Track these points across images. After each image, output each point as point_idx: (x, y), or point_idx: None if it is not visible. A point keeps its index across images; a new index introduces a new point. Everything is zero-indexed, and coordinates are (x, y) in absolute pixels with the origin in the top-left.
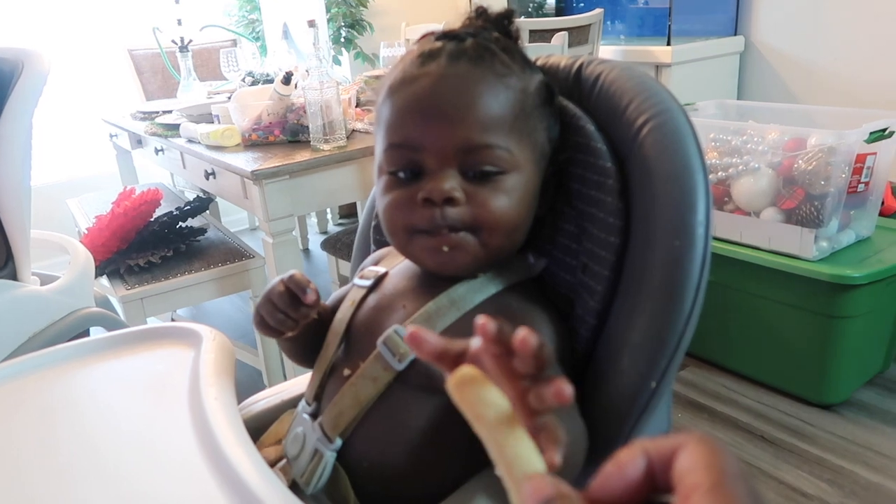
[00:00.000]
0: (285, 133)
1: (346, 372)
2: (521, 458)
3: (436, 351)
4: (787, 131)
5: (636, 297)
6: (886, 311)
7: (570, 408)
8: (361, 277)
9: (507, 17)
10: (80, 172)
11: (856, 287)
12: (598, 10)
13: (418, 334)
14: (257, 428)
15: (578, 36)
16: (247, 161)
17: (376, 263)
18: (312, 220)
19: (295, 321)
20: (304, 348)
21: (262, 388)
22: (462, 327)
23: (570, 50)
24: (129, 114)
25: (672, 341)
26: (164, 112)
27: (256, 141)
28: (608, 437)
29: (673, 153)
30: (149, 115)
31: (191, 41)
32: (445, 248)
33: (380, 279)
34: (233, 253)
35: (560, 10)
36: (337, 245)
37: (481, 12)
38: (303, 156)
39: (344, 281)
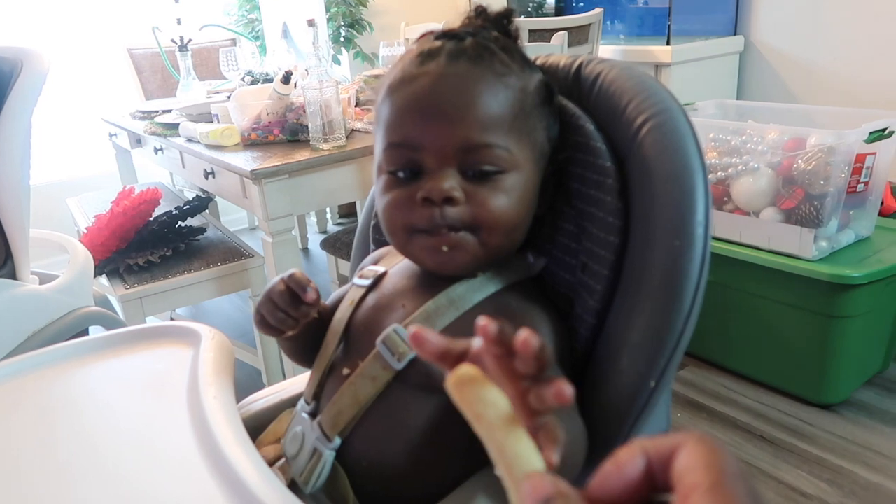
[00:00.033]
0: (285, 132)
1: (346, 371)
2: (520, 457)
3: (438, 350)
4: (787, 131)
5: (635, 297)
6: (886, 311)
7: (570, 408)
8: (360, 277)
9: (506, 16)
10: (80, 172)
11: (855, 287)
12: (598, 10)
13: (421, 334)
14: (256, 427)
15: (578, 36)
16: (246, 160)
17: (376, 263)
18: (312, 220)
19: (295, 320)
20: (305, 348)
21: (261, 387)
22: (461, 326)
23: (570, 50)
24: (128, 113)
25: (671, 340)
26: (164, 111)
27: (256, 140)
28: (607, 436)
29: (672, 153)
30: (148, 115)
31: (190, 40)
32: (445, 248)
33: (379, 278)
34: (232, 252)
35: (560, 10)
36: (336, 244)
37: (480, 11)
38: (302, 155)
39: (343, 280)
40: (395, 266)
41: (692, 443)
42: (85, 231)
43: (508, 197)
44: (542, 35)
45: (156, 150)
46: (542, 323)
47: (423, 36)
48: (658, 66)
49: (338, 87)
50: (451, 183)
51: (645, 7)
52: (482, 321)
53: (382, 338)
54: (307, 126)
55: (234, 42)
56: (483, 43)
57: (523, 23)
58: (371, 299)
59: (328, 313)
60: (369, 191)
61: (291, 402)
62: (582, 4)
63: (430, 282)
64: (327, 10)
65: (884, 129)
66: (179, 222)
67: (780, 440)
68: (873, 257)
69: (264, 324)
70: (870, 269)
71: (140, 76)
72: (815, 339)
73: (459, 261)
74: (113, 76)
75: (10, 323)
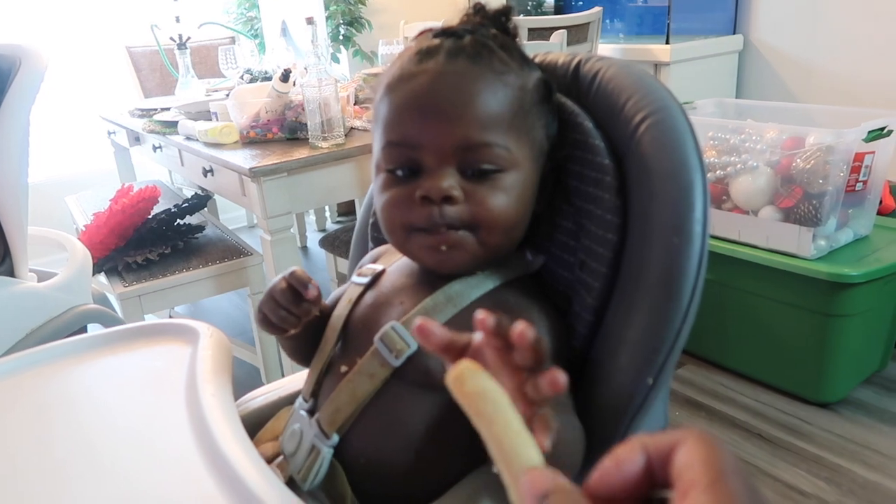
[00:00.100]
0: (283, 130)
1: (344, 368)
2: (519, 452)
3: (442, 342)
4: (786, 130)
5: (633, 294)
6: (884, 310)
7: (567, 409)
8: (359, 275)
9: (504, 13)
10: (78, 169)
11: (853, 286)
12: (597, 9)
13: (426, 326)
14: (254, 424)
15: (577, 34)
16: (245, 158)
17: (374, 261)
18: (311, 218)
19: (298, 318)
20: (306, 346)
21: (259, 385)
22: (459, 323)
23: (569, 48)
24: (127, 111)
25: (669, 338)
26: (163, 109)
27: (254, 138)
28: (605, 433)
29: (671, 150)
30: (147, 113)
31: (189, 38)
32: (444, 247)
33: (377, 276)
34: (231, 250)
35: (559, 9)
36: (335, 243)
37: (479, 8)
38: (301, 153)
39: (342, 279)
40: (393, 264)
41: (692, 439)
42: (83, 229)
43: (507, 196)
44: (541, 33)
45: (154, 148)
46: (540, 319)
47: (421, 33)
48: (657, 65)
49: (337, 85)
50: (450, 182)
51: (644, 6)
52: (480, 314)
53: (380, 335)
54: (306, 124)
55: (233, 40)
56: (482, 41)
57: (522, 21)
58: (369, 297)
59: (329, 312)
60: (368, 189)
61: (289, 400)
62: (581, 3)
63: (429, 279)
64: (326, 8)
65: (882, 128)
66: (178, 220)
67: (779, 439)
68: (872, 256)
69: (267, 322)
70: (868, 268)
71: (139, 74)
72: (813, 337)
73: (458, 259)
74: (112, 74)
75: (9, 320)
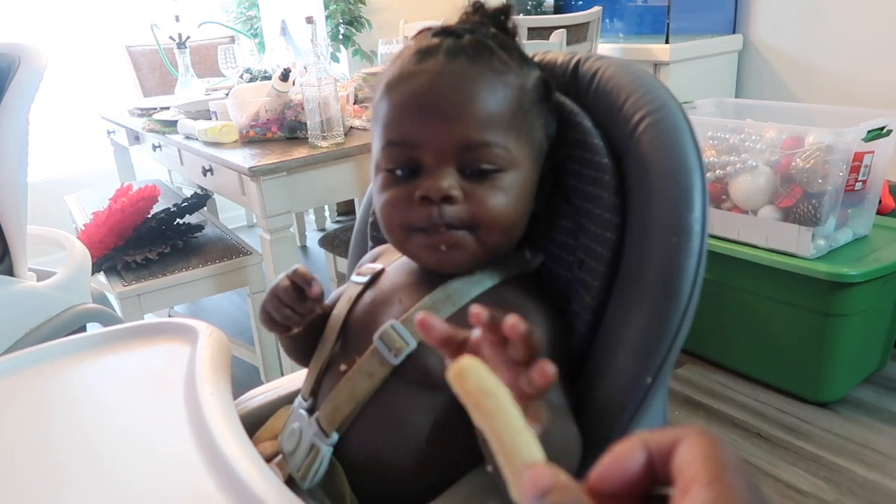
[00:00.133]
0: (283, 130)
1: (343, 367)
2: (520, 448)
3: (443, 337)
4: (785, 129)
5: (632, 294)
6: (883, 309)
7: (562, 411)
8: (358, 274)
9: (504, 12)
10: (78, 169)
11: (853, 285)
12: (597, 8)
13: (427, 320)
14: (253, 423)
15: (577, 34)
16: (244, 157)
17: (374, 260)
18: (310, 217)
19: (301, 316)
20: (306, 345)
21: (258, 384)
22: (458, 321)
23: (569, 48)
24: (126, 110)
25: (668, 337)
26: (162, 108)
27: (254, 137)
28: (604, 432)
29: (670, 150)
30: (146, 112)
31: (189, 38)
32: (443, 247)
33: (377, 276)
34: (230, 250)
35: (559, 8)
36: (335, 242)
37: (478, 7)
38: (300, 152)
39: (342, 278)
40: (392, 263)
41: (692, 436)
42: (83, 228)
43: (507, 195)
44: (540, 33)
45: (154, 148)
46: (538, 317)
47: (420, 32)
48: (657, 65)
49: (336, 84)
50: (450, 182)
51: (644, 5)
52: (475, 309)
53: (379, 333)
54: (305, 123)
55: (232, 39)
56: (481, 40)
57: (522, 20)
58: (368, 296)
59: (329, 311)
60: (367, 188)
61: (289, 399)
62: (581, 2)
63: (428, 278)
64: (326, 7)
65: (882, 128)
66: (177, 219)
67: (777, 438)
68: (871, 256)
69: (270, 321)
70: (867, 268)
71: (138, 73)
72: (812, 337)
73: (458, 259)
74: (111, 73)
75: (8, 319)
